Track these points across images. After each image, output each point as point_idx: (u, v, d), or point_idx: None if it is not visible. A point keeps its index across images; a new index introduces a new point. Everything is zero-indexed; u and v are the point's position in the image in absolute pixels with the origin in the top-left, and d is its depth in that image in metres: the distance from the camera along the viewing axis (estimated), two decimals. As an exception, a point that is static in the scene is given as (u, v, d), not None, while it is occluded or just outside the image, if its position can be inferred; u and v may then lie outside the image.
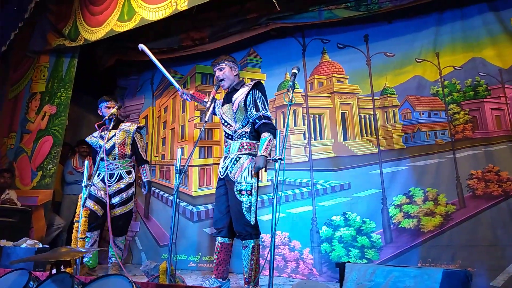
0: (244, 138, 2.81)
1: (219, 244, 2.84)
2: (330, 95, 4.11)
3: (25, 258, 3.05)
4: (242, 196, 2.67)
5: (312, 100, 4.19)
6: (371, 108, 3.89)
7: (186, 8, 3.72)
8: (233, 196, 2.72)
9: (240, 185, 2.69)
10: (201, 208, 4.44)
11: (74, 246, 3.03)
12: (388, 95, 3.84)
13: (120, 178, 3.55)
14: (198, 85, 4.91)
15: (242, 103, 2.80)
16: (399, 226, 3.49)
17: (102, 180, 3.54)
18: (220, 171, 2.89)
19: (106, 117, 3.49)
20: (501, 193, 3.18)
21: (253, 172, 2.68)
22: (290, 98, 2.49)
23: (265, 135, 2.67)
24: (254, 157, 2.74)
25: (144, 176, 3.72)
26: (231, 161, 2.78)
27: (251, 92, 2.80)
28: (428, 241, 3.33)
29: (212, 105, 2.98)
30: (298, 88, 4.22)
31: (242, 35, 4.36)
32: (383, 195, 3.61)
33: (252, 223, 2.64)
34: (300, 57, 4.34)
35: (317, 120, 4.12)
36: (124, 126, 3.72)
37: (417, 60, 3.75)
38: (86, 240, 3.32)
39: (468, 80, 3.53)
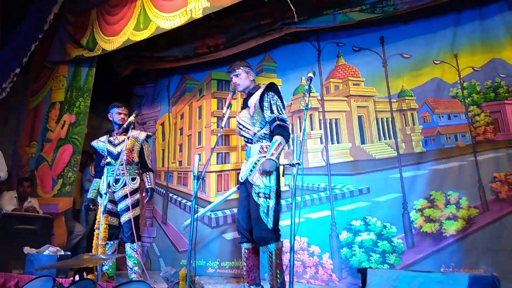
0: (264, 141, 2.80)
1: (245, 251, 2.81)
2: (346, 98, 4.08)
3: (50, 265, 3.11)
4: (260, 199, 2.63)
5: (328, 104, 4.17)
6: (388, 111, 3.85)
7: (201, 16, 3.76)
8: (252, 199, 2.69)
9: (259, 187, 2.65)
10: (219, 214, 4.45)
11: (95, 253, 3.07)
12: (406, 97, 3.79)
13: (125, 184, 3.57)
14: (214, 92, 4.94)
15: (258, 105, 2.79)
16: (421, 230, 3.42)
17: (109, 187, 3.55)
18: (241, 176, 2.87)
19: (125, 125, 3.53)
20: (526, 196, 3.09)
21: (271, 177, 2.63)
22: (307, 102, 2.47)
23: (276, 138, 2.64)
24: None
25: (147, 183, 3.73)
26: (251, 164, 2.77)
27: (265, 94, 2.80)
28: (451, 246, 3.26)
29: (228, 111, 2.99)
30: (314, 92, 4.21)
31: (257, 40, 4.37)
32: (404, 199, 3.55)
33: (270, 227, 2.59)
34: (315, 61, 4.33)
35: (333, 124, 4.09)
36: (134, 133, 3.75)
37: (435, 61, 3.70)
38: (107, 248, 3.37)
39: (488, 82, 3.46)
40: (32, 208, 4.21)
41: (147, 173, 3.76)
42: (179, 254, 4.57)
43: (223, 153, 4.67)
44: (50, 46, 5.05)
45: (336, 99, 4.15)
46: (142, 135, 3.79)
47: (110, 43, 4.45)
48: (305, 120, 2.31)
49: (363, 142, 3.91)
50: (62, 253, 3.57)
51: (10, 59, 4.66)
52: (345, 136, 4.00)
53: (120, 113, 3.69)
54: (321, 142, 4.09)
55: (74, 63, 4.99)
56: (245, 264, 2.82)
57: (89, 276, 2.80)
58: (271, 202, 2.62)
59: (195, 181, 2.76)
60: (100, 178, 3.65)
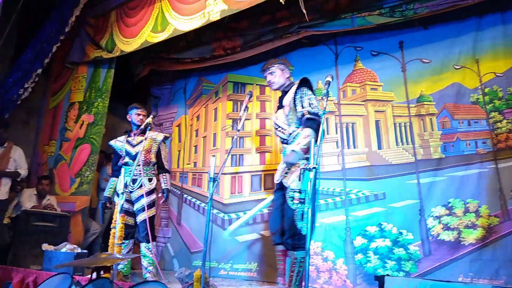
0: None
1: (278, 253, 2.73)
2: (363, 103, 4.04)
3: (69, 263, 3.16)
4: (295, 204, 2.53)
5: (345, 108, 4.14)
6: (406, 116, 3.80)
7: (218, 18, 3.78)
8: (286, 203, 2.58)
9: (293, 191, 2.55)
10: (232, 216, 4.45)
11: (111, 252, 3.11)
12: (425, 102, 3.73)
13: (142, 184, 3.60)
14: (230, 94, 4.96)
15: (292, 103, 2.70)
16: (438, 238, 3.36)
17: (126, 186, 3.59)
18: (276, 177, 2.78)
19: (142, 126, 3.57)
20: (548, 205, 3.01)
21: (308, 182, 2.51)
22: (325, 106, 2.46)
23: (304, 130, 2.53)
24: (308, 161, 2.56)
25: (164, 184, 3.76)
26: (286, 165, 2.67)
27: (297, 90, 2.71)
28: (470, 255, 3.19)
29: (245, 113, 2.99)
30: (330, 96, 4.18)
31: (273, 43, 4.38)
32: (421, 206, 3.49)
33: (303, 233, 2.47)
34: (333, 65, 4.30)
35: (350, 129, 4.06)
36: (152, 134, 3.78)
37: (456, 66, 3.64)
38: (123, 247, 3.41)
39: (510, 87, 3.38)
40: (50, 206, 4.29)
41: (164, 174, 3.79)
42: (191, 255, 4.59)
43: (238, 155, 4.68)
44: (70, 48, 5.16)
45: (353, 103, 4.12)
46: (159, 136, 3.82)
47: (128, 45, 4.52)
48: (322, 124, 2.29)
49: (380, 147, 3.86)
50: (79, 250, 3.63)
51: (33, 59, 4.77)
52: (362, 141, 3.96)
53: (139, 114, 3.73)
54: (337, 146, 4.06)
55: (93, 64, 5.08)
56: (278, 267, 2.74)
57: (106, 275, 2.84)
58: (306, 207, 2.48)
59: (211, 183, 2.77)
60: (117, 177, 3.70)
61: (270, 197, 3.30)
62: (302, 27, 4.14)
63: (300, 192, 2.53)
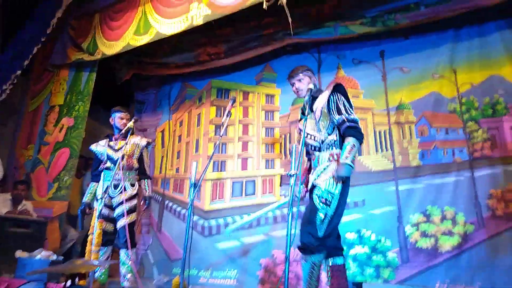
0: (334, 148, 2.52)
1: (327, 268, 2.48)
2: (345, 110, 4.08)
3: (42, 270, 3.08)
4: (320, 204, 2.37)
5: (326, 115, 4.17)
6: (386, 124, 3.86)
7: (201, 23, 3.78)
8: (311, 200, 2.44)
9: (321, 190, 2.39)
10: (213, 222, 4.42)
11: (88, 259, 3.04)
12: (404, 110, 3.80)
13: (124, 189, 3.54)
14: (214, 100, 4.96)
15: (326, 109, 2.54)
16: (416, 245, 3.40)
17: (106, 192, 3.52)
18: (309, 186, 2.60)
19: (124, 130, 3.52)
20: (522, 213, 3.08)
21: (338, 181, 2.37)
22: (306, 113, 2.49)
23: (348, 140, 2.38)
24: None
25: (146, 191, 3.71)
26: (319, 170, 2.50)
27: (331, 96, 2.54)
28: (446, 262, 3.23)
29: (228, 119, 2.98)
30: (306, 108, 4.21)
31: (258, 50, 4.40)
32: (399, 213, 3.54)
33: (319, 236, 2.31)
34: (316, 73, 4.30)
35: (331, 136, 4.09)
36: (135, 139, 3.73)
37: (434, 76, 3.72)
38: (100, 254, 3.34)
39: (486, 98, 3.47)
40: (26, 212, 4.18)
41: (145, 180, 3.74)
42: (171, 263, 4.53)
43: (220, 161, 4.66)
44: (52, 50, 5.08)
45: (334, 111, 4.15)
46: (143, 141, 3.77)
47: (110, 48, 4.48)
48: (303, 131, 2.31)
49: (360, 153, 3.90)
50: (55, 258, 3.53)
51: (12, 61, 4.67)
52: (343, 148, 3.99)
53: (122, 118, 3.67)
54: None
55: (75, 68, 5.02)
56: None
57: (81, 282, 2.78)
58: (330, 210, 2.36)
59: (192, 188, 2.75)
60: (97, 182, 3.63)
61: (279, 201, 3.19)
62: (286, 35, 4.18)
63: (327, 193, 2.37)
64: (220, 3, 3.66)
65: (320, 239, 2.31)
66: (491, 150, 3.36)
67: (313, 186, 2.48)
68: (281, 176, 4.21)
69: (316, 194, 2.40)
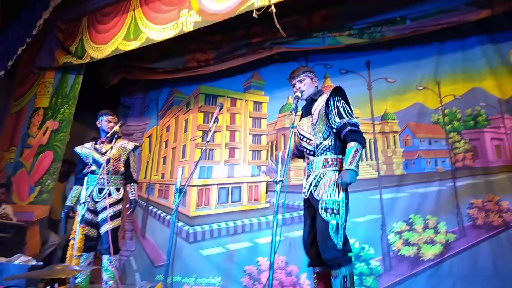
0: (328, 153, 2.46)
1: (314, 275, 2.49)
2: (331, 119, 4.13)
3: (20, 275, 3.00)
4: (328, 215, 2.30)
5: (313, 124, 4.21)
6: (371, 133, 3.91)
7: (192, 29, 3.80)
8: (319, 216, 2.36)
9: (326, 202, 2.33)
10: (198, 229, 4.39)
11: (69, 264, 2.98)
12: (389, 120, 3.87)
13: (109, 194, 3.49)
14: (202, 106, 4.96)
15: (323, 112, 2.48)
16: (399, 253, 3.44)
17: (90, 196, 3.47)
18: (304, 192, 2.56)
19: (109, 134, 3.49)
20: (501, 223, 3.15)
21: (340, 189, 2.33)
22: (293, 120, 2.51)
23: (351, 145, 2.31)
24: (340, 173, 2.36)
25: (132, 194, 3.67)
26: (314, 178, 2.46)
27: (331, 98, 2.48)
28: (428, 270, 3.28)
29: (215, 125, 2.98)
30: (299, 111, 4.25)
31: (246, 58, 4.43)
32: (383, 221, 3.58)
33: (339, 247, 2.26)
34: (303, 81, 4.38)
35: (317, 144, 4.13)
36: (121, 143, 3.70)
37: (418, 87, 3.80)
38: (81, 259, 3.27)
39: (468, 110, 3.56)
40: (5, 215, 4.08)
41: (131, 184, 3.70)
42: (155, 269, 4.47)
43: (206, 167, 4.64)
44: (38, 52, 5.02)
45: (321, 119, 4.20)
46: (130, 145, 3.74)
47: (99, 51, 4.45)
48: (290, 138, 2.33)
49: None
50: (34, 263, 3.45)
51: (-5, 61, 4.60)
52: (329, 156, 4.03)
53: (109, 121, 3.63)
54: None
55: (61, 70, 4.96)
56: None
57: (61, 288, 2.71)
58: (341, 219, 2.31)
59: (177, 194, 2.73)
60: (81, 185, 3.57)
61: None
62: (275, 43, 4.23)
63: (334, 202, 2.32)
64: (210, 10, 3.69)
65: (342, 250, 2.27)
66: (473, 161, 3.44)
67: (314, 198, 2.43)
68: (267, 183, 4.23)
69: (323, 208, 2.33)
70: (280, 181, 2.23)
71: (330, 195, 2.33)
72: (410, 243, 3.41)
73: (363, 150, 2.42)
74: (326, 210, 2.31)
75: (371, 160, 3.84)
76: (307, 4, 4.00)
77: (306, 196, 2.52)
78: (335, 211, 2.30)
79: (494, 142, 3.41)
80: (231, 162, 4.57)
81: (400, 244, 3.45)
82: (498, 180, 3.28)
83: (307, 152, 2.59)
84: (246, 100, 4.72)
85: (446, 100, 3.68)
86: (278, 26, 3.32)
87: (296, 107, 2.55)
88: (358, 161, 2.28)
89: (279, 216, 2.09)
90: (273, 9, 3.23)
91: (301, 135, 2.63)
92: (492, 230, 3.17)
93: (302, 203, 3.89)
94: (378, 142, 3.86)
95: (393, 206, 3.59)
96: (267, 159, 4.40)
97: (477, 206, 3.28)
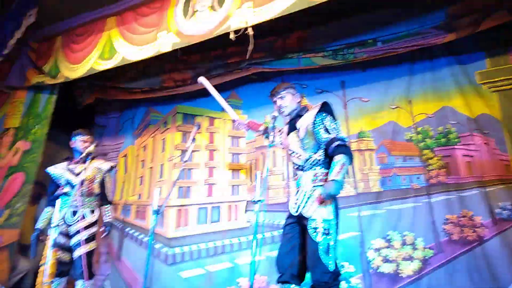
0: (318, 168, 2.45)
1: None
2: (308, 137, 4.19)
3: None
4: (318, 236, 2.25)
5: (291, 142, 4.25)
6: (348, 151, 3.98)
7: (169, 50, 3.82)
8: (308, 236, 2.30)
9: (316, 222, 2.29)
10: (177, 250, 4.29)
11: (39, 292, 2.85)
12: (365, 138, 3.95)
13: (83, 217, 3.39)
14: (179, 125, 4.93)
15: (310, 127, 2.47)
16: (378, 270, 3.46)
17: (63, 219, 3.35)
18: (292, 207, 2.51)
19: (84, 154, 3.41)
20: (476, 238, 3.23)
21: (329, 205, 2.31)
22: (271, 140, 2.54)
23: (338, 158, 2.27)
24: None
25: (107, 217, 3.57)
26: (304, 195, 2.43)
27: (318, 114, 2.48)
28: (408, 286, 3.31)
29: (193, 145, 2.97)
30: (284, 127, 4.29)
31: (223, 78, 4.46)
32: (362, 238, 3.61)
33: (331, 270, 2.22)
34: (280, 101, 4.44)
35: (296, 162, 4.16)
36: (97, 163, 3.62)
37: (391, 106, 3.92)
38: (53, 285, 3.14)
39: (440, 127, 3.69)
40: (-29, 241, 3.87)
41: (107, 206, 3.60)
42: (132, 294, 4.32)
43: (185, 187, 4.58)
44: (9, 71, 4.89)
45: (299, 138, 4.25)
46: (105, 165, 3.66)
47: (73, 71, 4.40)
48: (268, 157, 2.35)
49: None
50: (2, 291, 3.28)
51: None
52: (307, 174, 4.06)
53: (85, 141, 3.56)
54: (283, 179, 4.13)
55: (33, 90, 4.85)
56: None
57: (30, 318, 2.58)
58: (332, 239, 2.27)
59: (154, 215, 2.69)
60: (53, 207, 3.44)
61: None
62: (252, 64, 4.28)
63: (324, 222, 2.29)
64: (188, 32, 3.72)
65: (334, 272, 2.24)
66: (446, 177, 3.54)
67: (302, 216, 2.39)
68: (247, 202, 4.21)
69: (313, 228, 2.28)
70: (259, 200, 2.23)
71: (320, 214, 2.30)
72: (389, 260, 3.44)
73: (350, 165, 2.38)
74: (316, 230, 2.27)
75: (349, 177, 3.89)
76: (283, 26, 4.09)
77: (295, 213, 2.46)
78: (326, 231, 2.26)
79: (465, 159, 3.54)
80: (210, 181, 4.53)
81: (380, 261, 3.48)
82: (471, 195, 3.38)
83: (296, 167, 2.58)
84: (224, 119, 4.73)
85: (418, 118, 3.80)
86: (250, 48, 3.38)
87: (274, 126, 2.59)
88: (344, 174, 2.24)
89: (259, 236, 2.08)
90: (250, 31, 3.30)
91: (290, 149, 2.62)
92: (468, 245, 3.24)
93: (282, 222, 3.91)
94: (355, 160, 3.92)
95: (371, 223, 3.62)
96: (246, 178, 4.39)
97: (452, 221, 3.36)
